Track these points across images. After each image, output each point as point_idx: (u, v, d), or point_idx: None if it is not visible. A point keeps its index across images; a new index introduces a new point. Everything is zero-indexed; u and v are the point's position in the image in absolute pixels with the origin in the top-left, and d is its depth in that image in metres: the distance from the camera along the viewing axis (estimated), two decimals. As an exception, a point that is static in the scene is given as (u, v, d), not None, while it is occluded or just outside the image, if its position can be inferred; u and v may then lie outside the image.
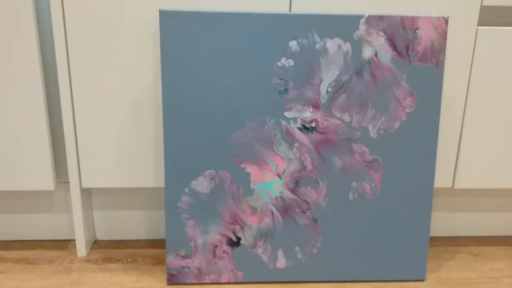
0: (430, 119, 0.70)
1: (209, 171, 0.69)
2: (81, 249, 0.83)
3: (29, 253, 0.84)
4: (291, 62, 0.67)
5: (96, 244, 0.87)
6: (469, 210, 0.91)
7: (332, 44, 0.67)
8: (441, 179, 0.79)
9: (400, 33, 0.67)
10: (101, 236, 0.89)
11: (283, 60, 0.67)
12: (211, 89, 0.67)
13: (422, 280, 0.76)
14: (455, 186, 0.81)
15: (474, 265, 0.82)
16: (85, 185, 0.78)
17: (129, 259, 0.82)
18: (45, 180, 0.78)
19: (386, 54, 0.68)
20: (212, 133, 0.68)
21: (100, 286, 0.74)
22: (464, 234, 0.92)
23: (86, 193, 0.83)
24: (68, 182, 0.80)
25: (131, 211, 0.87)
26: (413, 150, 0.71)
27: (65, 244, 0.87)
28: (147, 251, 0.85)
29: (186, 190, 0.70)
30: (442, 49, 0.69)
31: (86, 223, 0.83)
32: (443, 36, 0.68)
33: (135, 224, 0.88)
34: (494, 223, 0.92)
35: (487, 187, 0.81)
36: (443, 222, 0.91)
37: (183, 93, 0.67)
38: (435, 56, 0.69)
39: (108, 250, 0.85)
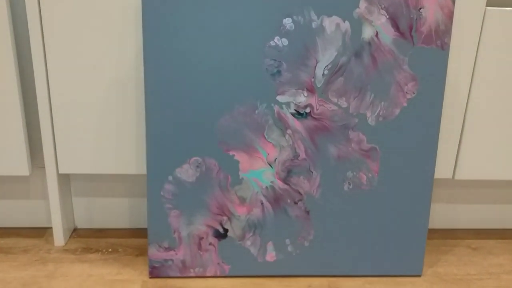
0: (433, 106, 0.67)
1: (195, 158, 0.66)
2: (59, 237, 0.79)
3: (2, 241, 0.81)
4: (285, 41, 0.63)
5: (75, 233, 0.84)
6: (469, 202, 0.89)
7: (329, 23, 0.63)
8: (442, 170, 0.77)
9: (403, 12, 0.64)
10: (81, 224, 0.86)
11: (276, 39, 0.63)
12: (197, 70, 0.64)
13: (419, 276, 0.74)
14: (456, 177, 0.78)
15: (473, 259, 0.80)
16: (62, 170, 0.75)
17: (110, 249, 0.79)
18: (19, 165, 0.74)
19: (387, 35, 0.64)
20: (199, 118, 0.65)
21: (77, 279, 0.71)
22: (462, 226, 0.90)
23: (64, 179, 0.80)
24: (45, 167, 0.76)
25: (112, 198, 0.84)
26: (413, 139, 0.68)
27: (42, 232, 0.84)
28: (129, 240, 0.82)
29: (170, 178, 0.67)
30: (447, 31, 0.65)
31: (64, 210, 0.80)
32: (450, 16, 0.65)
33: (117, 212, 0.85)
34: (494, 216, 0.90)
35: (489, 179, 0.79)
36: (441, 214, 0.89)
37: (167, 74, 0.63)
38: (440, 38, 0.65)
39: (88, 239, 0.82)
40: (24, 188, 0.83)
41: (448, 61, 0.68)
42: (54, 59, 0.68)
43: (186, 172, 0.67)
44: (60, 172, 0.75)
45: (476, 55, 0.71)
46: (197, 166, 0.66)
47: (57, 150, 0.73)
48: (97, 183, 0.83)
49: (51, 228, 0.84)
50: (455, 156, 0.77)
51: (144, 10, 0.61)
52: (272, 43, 0.63)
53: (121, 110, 0.71)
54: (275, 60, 0.64)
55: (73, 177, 0.82)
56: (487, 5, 0.70)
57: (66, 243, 0.81)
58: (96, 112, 0.71)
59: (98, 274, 0.72)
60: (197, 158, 0.66)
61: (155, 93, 0.64)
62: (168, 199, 0.67)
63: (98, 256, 0.77)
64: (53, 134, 0.72)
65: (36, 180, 0.82)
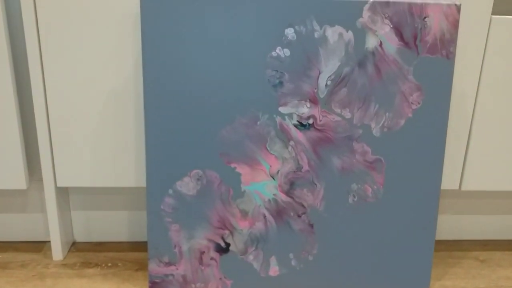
0: (439, 116, 0.66)
1: (195, 170, 0.65)
2: (57, 252, 0.78)
3: (0, 256, 0.79)
4: (287, 52, 0.62)
5: (74, 247, 0.83)
6: (475, 213, 0.87)
7: (332, 33, 0.62)
8: (448, 181, 0.76)
9: (407, 21, 0.63)
10: (79, 237, 0.84)
11: (278, 49, 0.62)
12: (198, 81, 0.62)
13: (426, 290, 0.72)
14: (462, 188, 0.77)
15: (481, 272, 0.78)
16: (61, 183, 0.73)
17: (109, 264, 0.78)
18: (17, 178, 0.73)
19: (391, 44, 0.63)
20: (199, 129, 0.64)
21: (75, 295, 0.69)
22: (469, 237, 0.89)
23: (63, 192, 0.79)
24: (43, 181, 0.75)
25: (112, 211, 0.83)
26: (419, 150, 0.67)
27: (41, 247, 0.82)
28: (129, 254, 0.81)
29: (170, 191, 0.65)
30: (453, 40, 0.64)
31: (63, 224, 0.79)
32: (455, 25, 0.63)
33: (116, 225, 0.84)
34: (501, 227, 0.89)
35: (496, 189, 0.77)
36: (447, 225, 0.88)
37: (166, 85, 0.62)
38: (445, 47, 0.64)
39: (87, 253, 0.81)
40: (22, 202, 0.81)
41: (454, 71, 0.67)
42: (52, 70, 0.67)
43: (187, 185, 0.65)
44: (58, 185, 0.73)
45: (482, 64, 0.70)
46: (198, 179, 0.65)
47: (55, 163, 0.72)
48: (96, 196, 0.82)
49: (49, 242, 0.82)
50: (462, 166, 0.76)
51: (143, 19, 0.60)
52: (274, 53, 0.62)
53: (120, 121, 0.70)
54: (277, 70, 0.63)
55: (71, 190, 0.81)
56: (492, 14, 0.69)
57: (64, 258, 0.79)
58: (95, 124, 0.70)
59: (97, 290, 0.70)
60: (198, 170, 0.65)
61: (154, 104, 0.63)
62: (168, 213, 0.66)
63: (97, 271, 0.75)
64: (51, 147, 0.71)
65: (34, 193, 0.81)
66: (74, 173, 0.73)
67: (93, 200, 0.82)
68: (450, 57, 0.64)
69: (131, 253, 0.81)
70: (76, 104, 0.69)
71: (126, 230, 0.84)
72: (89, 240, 0.84)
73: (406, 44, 0.63)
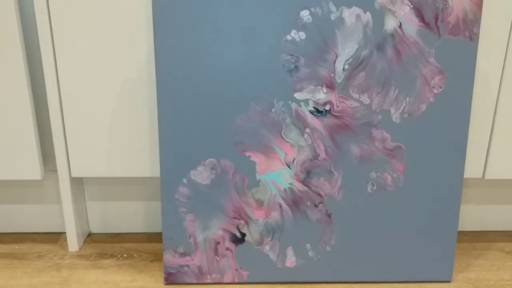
0: (461, 101, 0.64)
1: (209, 159, 0.64)
2: (73, 243, 0.78)
3: (17, 247, 0.79)
4: (302, 35, 0.60)
5: (90, 238, 0.83)
6: (500, 203, 0.85)
7: (349, 14, 0.60)
8: (471, 169, 0.73)
9: (428, 1, 0.60)
10: (95, 229, 0.84)
11: (293, 33, 0.60)
12: (210, 68, 0.61)
13: (449, 282, 0.70)
14: (486, 177, 0.74)
15: (507, 264, 0.76)
16: (75, 174, 0.73)
17: (125, 255, 0.77)
18: (32, 169, 0.73)
19: (412, 26, 0.61)
20: (213, 118, 0.62)
21: (91, 286, 0.69)
22: (494, 228, 0.86)
23: (78, 182, 0.78)
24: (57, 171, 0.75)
25: (127, 202, 0.83)
26: (441, 136, 0.64)
27: (57, 238, 0.82)
28: (144, 245, 0.80)
29: (184, 181, 0.64)
30: (476, 20, 0.61)
31: (78, 215, 0.79)
32: (478, 4, 0.61)
33: (132, 216, 0.83)
34: (528, 217, 0.85)
35: (522, 178, 0.74)
36: (471, 216, 0.85)
37: (179, 72, 0.61)
38: (469, 28, 0.62)
39: (103, 244, 0.81)
40: (38, 193, 0.82)
41: (478, 53, 0.64)
42: (65, 60, 0.67)
43: (201, 174, 0.64)
44: (72, 175, 0.73)
45: (507, 46, 0.67)
46: (212, 168, 0.64)
47: (69, 153, 0.72)
48: (111, 187, 0.81)
49: (65, 233, 0.82)
50: (485, 154, 0.73)
51: (154, 7, 0.59)
52: (288, 37, 0.60)
53: (134, 111, 0.69)
54: (292, 55, 0.61)
55: (86, 180, 0.81)
56: (518, -8, 0.66)
57: (80, 249, 0.79)
58: (108, 114, 0.70)
59: (112, 281, 0.70)
60: (212, 159, 0.64)
61: (167, 93, 0.62)
62: (182, 203, 0.65)
63: (113, 261, 0.75)
64: (65, 137, 0.71)
65: (49, 184, 0.81)
66: (88, 163, 0.72)
67: (109, 190, 0.82)
68: (473, 38, 0.62)
69: (147, 244, 0.80)
70: (90, 93, 0.68)
71: (142, 221, 0.84)
72: (105, 231, 0.84)
73: (427, 25, 0.61)
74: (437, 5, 0.60)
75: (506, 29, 0.67)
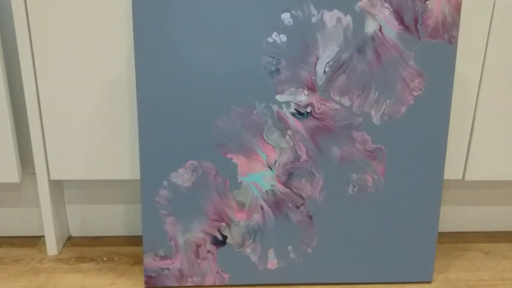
0: (441, 103, 0.65)
1: (190, 162, 0.64)
2: (52, 246, 0.77)
3: (-6, 251, 0.78)
4: (283, 37, 0.61)
5: (69, 241, 0.82)
6: (480, 204, 0.86)
7: (330, 17, 0.60)
8: (451, 170, 0.74)
9: (408, 4, 0.61)
10: (75, 232, 0.83)
11: (274, 35, 0.60)
12: (192, 69, 0.61)
13: (429, 282, 0.71)
14: (466, 178, 0.75)
15: (486, 264, 0.77)
16: (54, 177, 0.72)
17: (105, 258, 0.76)
18: (9, 172, 0.72)
19: (392, 29, 0.62)
20: (194, 119, 0.62)
21: (70, 290, 0.68)
22: (474, 229, 0.87)
23: (57, 185, 0.78)
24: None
25: (108, 204, 0.82)
26: (421, 138, 0.65)
27: (35, 241, 0.81)
28: (125, 249, 0.79)
29: (165, 183, 0.64)
30: (455, 24, 0.62)
31: (58, 218, 0.78)
32: (457, 8, 0.62)
33: (113, 219, 0.83)
34: (506, 218, 0.87)
35: (501, 179, 0.76)
36: (451, 217, 0.86)
37: (159, 73, 0.61)
38: (448, 31, 0.62)
39: (82, 248, 0.80)
40: (16, 196, 0.80)
41: (457, 56, 0.65)
42: (43, 62, 0.66)
43: (182, 177, 0.64)
44: (51, 178, 0.72)
45: (486, 49, 0.69)
46: (193, 170, 0.64)
47: (48, 156, 0.71)
48: (91, 190, 0.81)
49: (44, 236, 0.81)
50: (465, 155, 0.74)
51: (134, 8, 0.59)
52: (270, 39, 0.61)
53: (114, 113, 0.69)
54: (274, 57, 0.61)
55: (66, 183, 0.80)
56: (496, -4, 0.67)
57: (59, 252, 0.78)
58: (88, 116, 0.69)
59: (91, 285, 0.69)
60: (193, 161, 0.64)
61: (147, 94, 0.61)
62: (163, 205, 0.65)
63: (93, 265, 0.74)
64: (44, 139, 0.70)
65: (27, 187, 0.80)
66: (67, 166, 0.71)
67: (89, 193, 0.81)
68: (452, 41, 0.63)
69: (127, 247, 0.80)
70: (69, 95, 0.68)
71: (122, 224, 0.83)
72: (85, 235, 0.83)
73: (406, 28, 0.62)
74: (417, 8, 0.61)
75: (484, 33, 0.68)
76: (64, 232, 0.81)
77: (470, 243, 0.83)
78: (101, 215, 0.82)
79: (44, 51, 0.66)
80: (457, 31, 0.63)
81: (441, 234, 0.85)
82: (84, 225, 0.83)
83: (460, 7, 0.62)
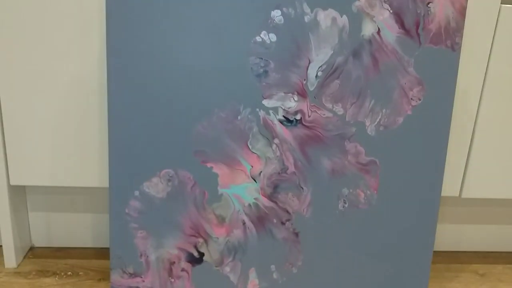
0: (441, 115, 0.62)
1: (166, 170, 0.59)
2: (10, 258, 0.72)
3: None
4: (273, 37, 0.57)
5: (31, 252, 0.76)
6: (476, 222, 0.83)
7: (325, 17, 0.57)
8: (447, 187, 0.71)
9: (409, 6, 0.58)
10: (38, 242, 0.78)
11: (262, 34, 0.57)
12: (169, 68, 0.57)
13: (422, 307, 0.67)
14: (463, 195, 0.72)
15: (481, 287, 0.73)
16: (15, 182, 0.67)
17: (69, 272, 0.72)
18: (-36, 174, 0.66)
19: (391, 32, 0.58)
20: (171, 123, 0.58)
21: (26, 309, 0.62)
22: (468, 249, 0.85)
23: (18, 191, 0.73)
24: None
25: (74, 213, 0.77)
26: (418, 152, 0.62)
27: (-8, 252, 0.75)
28: (92, 262, 0.75)
29: (136, 193, 0.60)
30: (459, 29, 0.59)
31: (18, 226, 0.73)
32: (462, 12, 0.59)
33: (79, 229, 0.78)
34: (503, 238, 0.85)
35: (499, 197, 0.73)
36: (445, 235, 0.83)
37: (133, 73, 0.56)
38: (451, 37, 0.59)
39: (45, 260, 0.75)
40: (-28, 201, 0.74)
41: (459, 64, 0.62)
42: (3, 56, 0.61)
43: (156, 187, 0.59)
44: (12, 183, 0.67)
45: (489, 57, 0.66)
46: (169, 180, 0.59)
47: (8, 159, 0.66)
48: (56, 197, 0.76)
49: (1, 246, 0.75)
50: (463, 171, 0.71)
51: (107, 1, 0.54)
52: (258, 38, 0.57)
53: (82, 113, 0.64)
54: (262, 58, 0.57)
55: (29, 189, 0.75)
56: (502, 3, 0.64)
57: (18, 265, 0.73)
58: (53, 116, 0.64)
59: (52, 303, 0.64)
60: (169, 170, 0.59)
61: (119, 94, 0.57)
62: (133, 218, 0.60)
63: (55, 280, 0.69)
64: (4, 140, 0.65)
65: (-15, 192, 0.74)
66: (30, 171, 0.66)
67: (54, 201, 0.76)
68: (455, 48, 0.60)
69: (95, 260, 0.75)
70: (32, 94, 0.63)
71: (89, 235, 0.78)
72: (49, 245, 0.79)
73: (407, 32, 0.58)
74: (419, 11, 0.58)
75: (488, 40, 0.65)
76: (26, 242, 0.76)
77: (464, 263, 0.81)
78: (67, 225, 0.78)
79: (4, 47, 0.60)
80: (461, 37, 0.60)
81: (433, 254, 0.81)
82: (48, 235, 0.78)
83: (465, 11, 0.59)
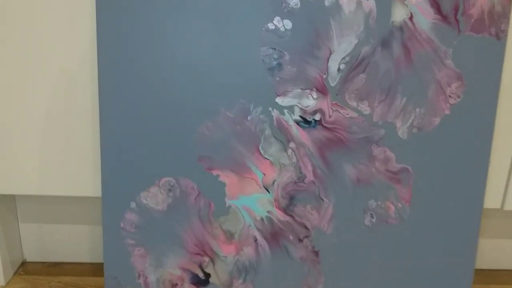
0: (483, 115, 0.57)
1: (166, 179, 0.56)
2: (-1, 275, 0.69)
3: None
4: (288, 24, 0.53)
5: (22, 268, 0.74)
6: (518, 237, 0.77)
7: (348, 1, 0.53)
8: (488, 198, 0.65)
9: (447, -12, 0.54)
10: (30, 256, 0.76)
11: (276, 20, 0.53)
12: (169, 63, 0.54)
13: (461, 337, 0.61)
14: (505, 207, 0.66)
15: (526, 313, 0.67)
16: (3, 190, 0.64)
17: (63, 291, 0.68)
18: None
19: (425, 18, 0.54)
20: (171, 126, 0.55)
21: (11, 335, 0.58)
22: (510, 267, 0.80)
23: (8, 200, 0.71)
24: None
25: (69, 225, 0.75)
26: (457, 158, 0.58)
27: (-20, 267, 0.71)
28: (88, 279, 0.71)
29: (133, 205, 0.57)
30: (505, 15, 0.55)
31: (8, 239, 0.70)
32: (509, -5, 0.54)
33: (75, 242, 0.75)
34: (549, 254, 0.78)
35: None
36: (485, 252, 0.78)
37: (128, 69, 0.54)
38: (495, 24, 0.55)
39: (37, 276, 0.71)
40: (-42, 212, 0.72)
41: (505, 55, 0.57)
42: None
43: (155, 198, 0.57)
44: (0, 192, 0.64)
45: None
46: (169, 190, 0.57)
47: (-6, 166, 0.63)
48: (50, 207, 0.73)
49: (-9, 261, 0.72)
50: (505, 181, 0.65)
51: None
52: (270, 25, 0.53)
53: (74, 118, 0.61)
54: (275, 49, 0.54)
55: (19, 199, 0.73)
56: (554, -16, 0.58)
57: (8, 282, 0.69)
58: (44, 120, 0.61)
59: (40, 327, 0.59)
60: (169, 178, 0.56)
61: (112, 93, 0.54)
62: (130, 233, 0.57)
63: (46, 301, 0.65)
64: (-11, 145, 0.62)
65: (-28, 202, 0.72)
66: (19, 179, 0.63)
67: (47, 211, 0.74)
68: (500, 37, 0.55)
69: (92, 277, 0.72)
70: (21, 94, 0.60)
71: (86, 249, 0.76)
72: (42, 260, 0.76)
73: (444, 18, 0.54)
74: (458, -6, 0.53)
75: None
76: (16, 256, 0.73)
77: (505, 284, 0.75)
78: (62, 237, 0.75)
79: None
80: (507, 23, 0.55)
81: (471, 272, 0.76)
82: (41, 249, 0.75)
83: (513, -7, 0.53)
